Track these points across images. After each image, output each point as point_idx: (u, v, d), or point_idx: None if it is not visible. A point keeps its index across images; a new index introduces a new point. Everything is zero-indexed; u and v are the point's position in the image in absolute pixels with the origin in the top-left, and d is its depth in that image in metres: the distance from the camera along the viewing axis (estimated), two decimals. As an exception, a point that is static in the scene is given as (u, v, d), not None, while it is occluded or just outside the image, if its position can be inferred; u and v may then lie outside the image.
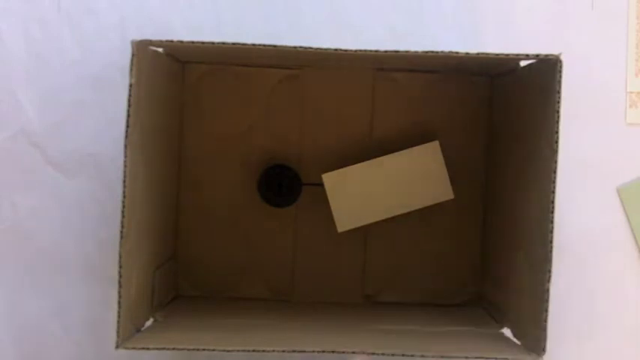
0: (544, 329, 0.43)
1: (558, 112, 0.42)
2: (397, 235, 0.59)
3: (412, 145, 0.56)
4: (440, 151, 0.56)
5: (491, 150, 0.58)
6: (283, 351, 0.43)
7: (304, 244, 0.59)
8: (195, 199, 0.58)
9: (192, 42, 0.44)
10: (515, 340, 0.49)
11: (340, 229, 0.56)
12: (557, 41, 0.59)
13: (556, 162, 0.43)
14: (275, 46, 0.44)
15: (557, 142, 0.43)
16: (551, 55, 0.43)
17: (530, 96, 0.48)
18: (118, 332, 0.43)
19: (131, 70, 0.43)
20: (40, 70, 0.58)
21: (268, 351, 0.43)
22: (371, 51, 0.44)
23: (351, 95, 0.58)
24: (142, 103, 0.45)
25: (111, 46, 0.58)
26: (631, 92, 0.60)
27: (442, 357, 0.43)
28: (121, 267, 0.43)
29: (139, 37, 0.44)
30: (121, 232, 0.43)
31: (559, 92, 0.42)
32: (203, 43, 0.44)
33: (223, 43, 0.44)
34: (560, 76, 0.42)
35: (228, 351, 0.42)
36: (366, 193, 0.56)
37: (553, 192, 0.43)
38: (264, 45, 0.43)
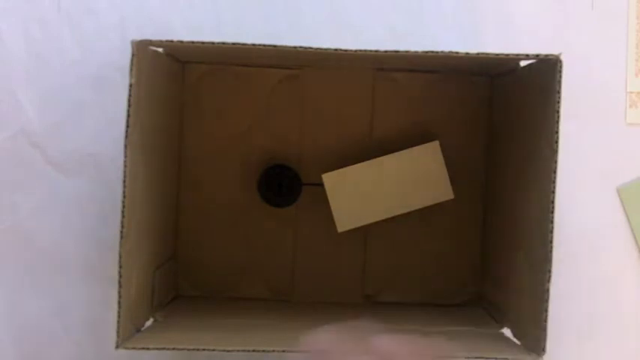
0: (544, 329, 0.43)
1: (558, 112, 0.42)
2: (397, 235, 0.59)
3: (412, 145, 0.56)
4: (440, 151, 0.56)
5: (491, 150, 0.58)
6: (283, 351, 0.43)
7: (304, 244, 0.59)
8: (195, 199, 0.58)
9: (192, 42, 0.44)
10: (515, 340, 0.49)
11: (340, 229, 0.56)
12: (557, 41, 0.59)
13: (556, 162, 0.43)
14: (275, 46, 0.44)
15: (557, 142, 0.43)
16: (551, 55, 0.43)
17: (530, 96, 0.48)
18: (118, 332, 0.43)
19: (131, 70, 0.43)
20: (40, 70, 0.58)
21: (268, 351, 0.43)
22: (371, 51, 0.44)
23: (351, 95, 0.58)
24: (142, 103, 0.45)
25: (111, 46, 0.58)
26: (631, 92, 0.60)
27: (442, 357, 0.43)
28: (121, 267, 0.43)
29: (139, 37, 0.44)
30: (121, 232, 0.43)
31: (559, 92, 0.42)
32: (203, 43, 0.44)
33: (223, 43, 0.44)
34: (560, 76, 0.42)
35: (228, 351, 0.42)
36: (366, 193, 0.56)
37: (553, 192, 0.43)
38: (264, 45, 0.43)
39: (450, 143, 0.57)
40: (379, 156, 0.56)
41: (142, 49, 0.44)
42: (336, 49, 0.44)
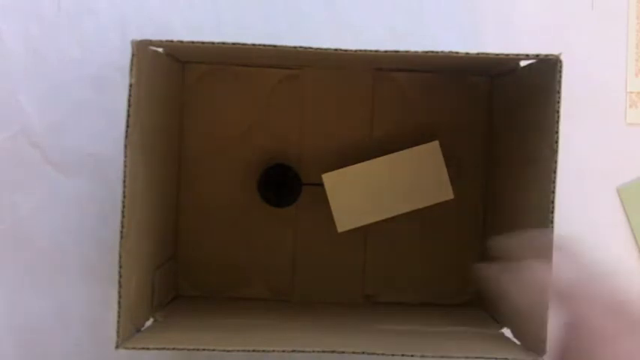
0: (544, 329, 0.43)
1: (558, 112, 0.42)
2: (397, 235, 0.59)
3: (412, 145, 0.56)
4: (440, 151, 0.56)
5: (491, 150, 0.58)
6: (283, 351, 0.43)
7: (304, 244, 0.59)
8: (195, 199, 0.58)
9: (192, 42, 0.44)
10: (515, 340, 0.48)
11: (340, 229, 0.56)
12: (557, 41, 0.59)
13: (556, 162, 0.43)
14: (275, 46, 0.43)
15: (557, 142, 0.42)
16: (551, 55, 0.43)
17: (530, 96, 0.48)
18: (118, 332, 0.43)
19: (131, 70, 0.43)
20: (40, 70, 0.58)
21: (268, 351, 0.43)
22: (371, 51, 0.44)
23: (351, 95, 0.58)
24: (142, 103, 0.45)
25: (111, 46, 0.58)
26: (631, 92, 0.60)
27: (442, 357, 0.43)
28: (121, 267, 0.43)
29: (139, 37, 0.44)
30: (121, 232, 0.43)
31: (559, 92, 0.42)
32: (203, 43, 0.44)
33: (223, 43, 0.44)
34: (560, 76, 0.42)
35: (228, 351, 0.42)
36: (366, 193, 0.56)
37: (553, 192, 0.43)
38: (264, 45, 0.43)
39: (450, 143, 0.57)
40: (379, 156, 0.56)
41: (142, 49, 0.44)
42: (336, 49, 0.44)
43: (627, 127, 0.60)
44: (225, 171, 0.58)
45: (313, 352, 0.43)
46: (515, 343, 0.48)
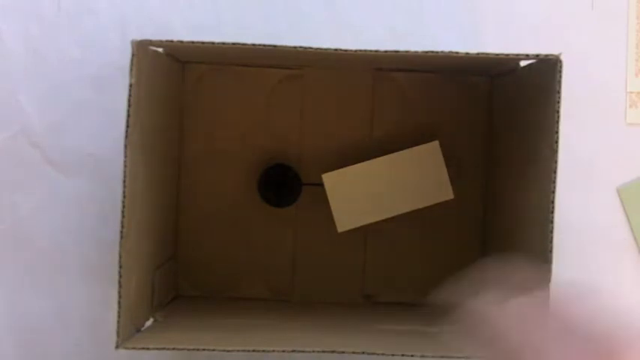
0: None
1: (558, 112, 0.42)
2: (397, 235, 0.59)
3: (412, 145, 0.56)
4: (440, 151, 0.56)
5: (491, 150, 0.58)
6: (283, 351, 0.43)
7: (304, 244, 0.59)
8: (195, 199, 0.58)
9: (192, 42, 0.44)
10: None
11: (340, 229, 0.56)
12: (557, 41, 0.59)
13: (556, 162, 0.43)
14: (275, 46, 0.43)
15: (557, 142, 0.42)
16: (551, 55, 0.43)
17: (530, 96, 0.48)
18: (118, 332, 0.43)
19: (131, 70, 0.43)
20: (40, 69, 0.58)
21: (268, 351, 0.43)
22: (371, 51, 0.44)
23: (351, 95, 0.58)
24: (142, 103, 0.45)
25: (111, 46, 0.58)
26: (631, 92, 0.60)
27: (442, 357, 0.43)
28: (121, 267, 0.43)
29: (139, 37, 0.44)
30: (121, 232, 0.43)
31: (559, 92, 0.42)
32: (203, 43, 0.44)
33: (223, 43, 0.44)
34: (560, 76, 0.42)
35: (228, 351, 0.42)
36: (366, 193, 0.56)
37: (553, 192, 0.43)
38: (264, 45, 0.43)
39: (450, 143, 0.57)
40: (379, 156, 0.56)
41: (142, 49, 0.44)
42: (336, 49, 0.44)
43: (627, 127, 0.60)
44: (225, 171, 0.58)
45: (313, 352, 0.43)
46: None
